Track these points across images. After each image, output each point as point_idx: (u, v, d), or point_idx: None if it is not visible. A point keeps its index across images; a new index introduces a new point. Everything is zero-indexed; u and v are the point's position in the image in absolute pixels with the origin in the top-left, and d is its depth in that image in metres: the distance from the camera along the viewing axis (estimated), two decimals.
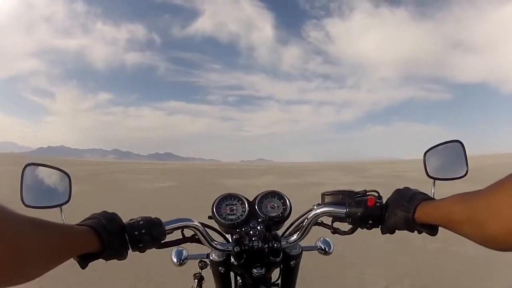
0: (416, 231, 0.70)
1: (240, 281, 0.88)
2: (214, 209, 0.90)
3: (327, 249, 0.90)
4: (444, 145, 0.81)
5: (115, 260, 0.67)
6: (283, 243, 0.82)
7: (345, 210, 0.77)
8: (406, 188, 0.74)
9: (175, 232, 0.78)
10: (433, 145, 0.82)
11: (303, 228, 0.83)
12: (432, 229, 0.66)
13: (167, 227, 0.74)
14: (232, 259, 0.81)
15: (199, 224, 0.80)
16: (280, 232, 0.89)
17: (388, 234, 0.75)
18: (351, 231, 0.82)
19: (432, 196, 0.71)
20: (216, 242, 0.83)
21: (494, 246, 0.49)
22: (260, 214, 0.89)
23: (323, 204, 0.85)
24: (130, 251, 0.69)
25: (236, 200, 0.92)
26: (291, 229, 0.90)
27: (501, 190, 0.47)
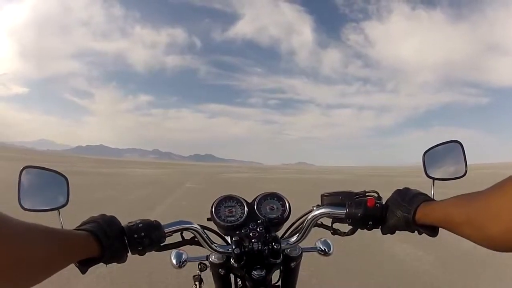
0: (416, 232, 0.70)
1: (240, 283, 0.87)
2: (213, 211, 0.90)
3: (327, 250, 0.90)
4: (443, 145, 0.81)
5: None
6: (283, 244, 0.82)
7: (345, 211, 0.77)
8: (406, 189, 0.74)
9: (174, 234, 0.78)
10: (433, 145, 0.82)
11: (303, 230, 0.83)
12: (432, 230, 0.66)
13: (166, 230, 0.74)
14: (232, 261, 0.80)
15: (198, 227, 0.80)
16: (279, 233, 0.88)
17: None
18: (351, 232, 0.82)
19: (432, 197, 0.71)
20: (215, 244, 0.82)
21: (493, 247, 0.49)
22: (260, 216, 0.88)
23: (322, 205, 0.85)
24: (129, 254, 0.69)
25: (235, 201, 0.92)
26: (290, 230, 0.90)
27: (501, 192, 0.47)
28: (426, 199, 0.68)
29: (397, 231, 0.73)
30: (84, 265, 0.61)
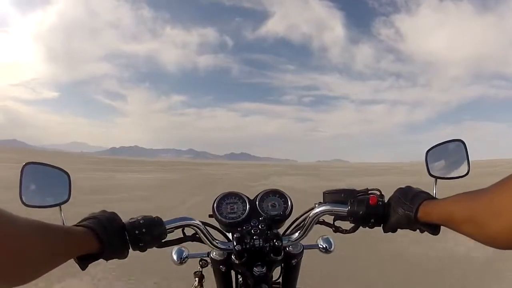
0: (418, 230, 0.70)
1: (241, 279, 0.88)
2: (215, 208, 0.90)
3: (328, 248, 0.90)
4: (446, 144, 0.81)
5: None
6: (285, 241, 0.82)
7: (347, 209, 0.77)
8: (408, 187, 0.74)
9: (175, 231, 0.78)
10: (436, 143, 0.81)
11: (305, 227, 0.83)
12: (434, 229, 0.66)
13: (167, 226, 0.74)
14: (233, 258, 0.81)
15: (199, 223, 0.80)
16: (281, 230, 0.88)
17: None
18: (353, 230, 0.82)
19: (434, 195, 0.71)
20: (217, 241, 0.82)
21: (496, 245, 0.49)
22: (261, 213, 0.88)
23: (324, 202, 0.85)
24: (130, 250, 0.69)
25: (237, 198, 0.92)
26: (292, 227, 0.90)
27: (503, 189, 0.47)
28: (428, 197, 0.68)
29: (398, 230, 0.73)
30: (83, 261, 0.61)
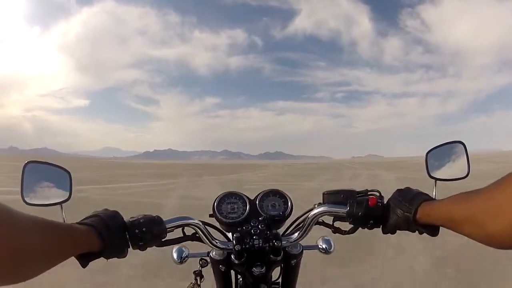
0: (417, 232, 0.70)
1: (241, 279, 0.88)
2: (215, 207, 0.90)
3: (328, 249, 0.90)
4: (446, 145, 0.81)
5: None
6: (284, 242, 0.82)
7: (346, 210, 0.77)
8: (407, 188, 0.74)
9: (175, 230, 0.78)
10: (436, 145, 0.82)
11: (304, 227, 0.83)
12: (433, 230, 0.66)
13: (168, 225, 0.74)
14: (233, 258, 0.81)
15: (200, 223, 0.80)
16: (281, 231, 0.89)
17: None
18: (352, 231, 0.82)
19: (434, 197, 0.71)
20: (217, 241, 0.83)
21: (495, 245, 0.49)
22: (261, 213, 0.89)
23: (324, 203, 0.85)
24: (130, 249, 0.69)
25: (237, 198, 0.92)
26: (292, 228, 0.90)
27: (501, 189, 0.47)
28: (427, 198, 0.68)
29: (398, 231, 0.74)
30: (84, 259, 0.61)
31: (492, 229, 0.48)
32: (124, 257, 0.68)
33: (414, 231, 0.70)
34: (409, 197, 0.70)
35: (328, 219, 0.85)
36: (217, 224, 0.90)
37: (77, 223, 0.62)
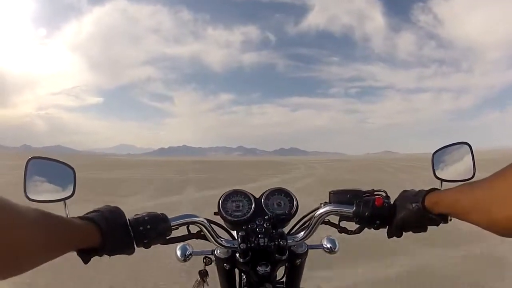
0: (426, 224, 0.69)
1: (245, 278, 0.87)
2: (220, 206, 0.89)
3: (332, 248, 0.90)
4: (452, 146, 0.81)
5: None
6: (289, 241, 0.82)
7: (352, 210, 0.76)
8: (412, 189, 0.74)
9: (180, 228, 0.77)
10: (442, 145, 0.82)
11: (310, 227, 0.83)
12: (443, 217, 0.66)
13: (172, 223, 0.73)
14: (238, 256, 0.80)
15: (205, 220, 0.79)
16: (286, 229, 0.88)
17: None
18: (358, 231, 0.82)
19: None
20: (221, 239, 0.82)
21: (499, 232, 0.51)
22: (267, 211, 0.88)
23: (330, 202, 0.85)
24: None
25: (243, 196, 0.91)
26: (297, 227, 0.90)
27: (503, 177, 0.49)
28: (434, 188, 0.69)
29: (404, 233, 0.73)
30: (86, 255, 0.60)
31: (496, 216, 0.49)
32: (130, 254, 0.67)
33: (424, 226, 0.69)
34: (415, 192, 0.70)
35: (334, 219, 0.85)
36: (222, 222, 0.89)
37: (77, 217, 0.60)
